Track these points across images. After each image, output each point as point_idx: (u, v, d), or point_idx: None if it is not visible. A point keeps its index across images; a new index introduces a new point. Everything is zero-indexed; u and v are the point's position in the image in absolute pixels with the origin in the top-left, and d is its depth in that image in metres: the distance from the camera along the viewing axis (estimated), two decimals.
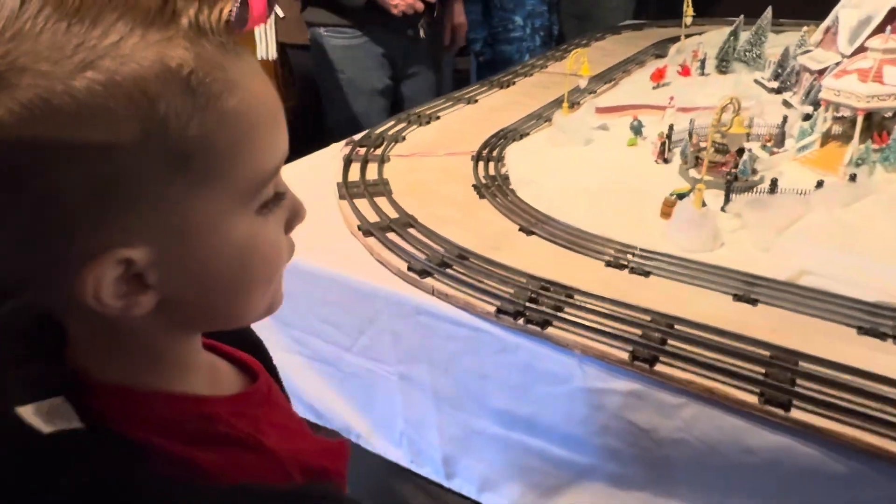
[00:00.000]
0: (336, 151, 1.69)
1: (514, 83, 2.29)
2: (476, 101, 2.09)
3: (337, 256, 1.21)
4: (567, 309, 0.96)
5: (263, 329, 1.38)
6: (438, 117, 1.93)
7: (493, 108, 2.02)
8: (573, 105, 1.99)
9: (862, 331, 0.90)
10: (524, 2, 3.34)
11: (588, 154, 1.63)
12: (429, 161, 1.61)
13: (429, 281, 1.06)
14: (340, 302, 1.18)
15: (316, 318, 1.25)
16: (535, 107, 1.98)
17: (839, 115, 1.46)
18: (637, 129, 1.69)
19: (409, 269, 1.09)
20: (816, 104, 1.58)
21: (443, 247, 1.15)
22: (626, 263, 1.08)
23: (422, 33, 2.54)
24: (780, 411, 0.77)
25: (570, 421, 0.98)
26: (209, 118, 0.42)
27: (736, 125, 1.29)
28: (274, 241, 0.52)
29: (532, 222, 1.24)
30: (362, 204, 1.34)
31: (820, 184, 1.25)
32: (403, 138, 1.76)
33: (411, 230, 1.22)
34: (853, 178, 1.26)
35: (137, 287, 0.44)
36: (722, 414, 0.82)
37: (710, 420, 0.83)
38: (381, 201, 1.35)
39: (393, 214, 1.29)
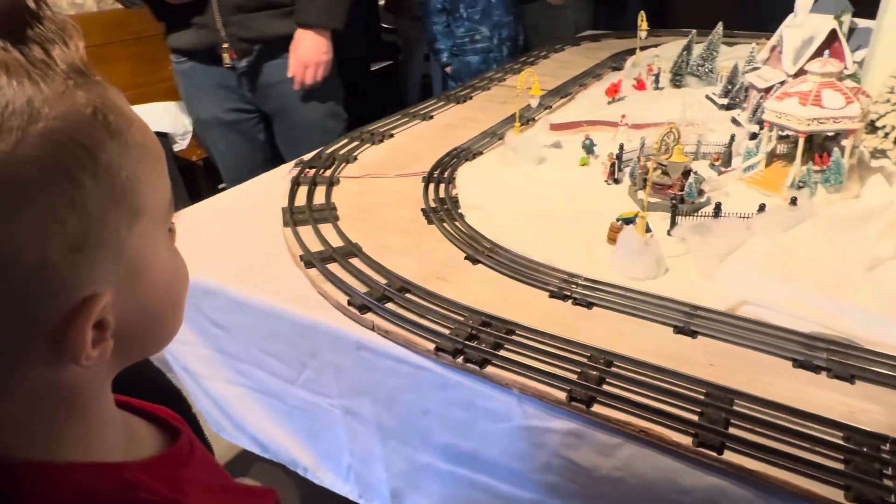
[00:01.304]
0: (285, 172, 1.66)
1: (471, 98, 2.28)
2: (431, 117, 2.07)
3: (280, 288, 1.17)
4: (507, 346, 0.94)
5: (204, 361, 1.35)
6: (392, 135, 1.90)
7: (448, 125, 2.00)
8: (528, 121, 1.99)
9: (797, 363, 0.90)
10: (490, 12, 3.34)
11: (540, 174, 1.62)
12: (380, 183, 1.58)
13: (369, 316, 1.04)
14: (283, 335, 1.15)
15: (259, 350, 1.21)
16: (490, 123, 1.97)
17: (784, 134, 1.48)
18: (589, 148, 1.70)
19: (350, 303, 1.06)
20: (762, 123, 1.60)
21: (385, 278, 1.12)
22: (569, 294, 1.07)
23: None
24: (713, 453, 0.76)
25: (512, 457, 0.97)
26: (130, 154, 0.44)
27: (676, 154, 1.29)
28: (182, 260, 0.55)
29: (479, 250, 1.22)
30: (306, 231, 1.31)
31: (762, 207, 1.26)
32: (355, 158, 1.73)
33: (354, 260, 1.19)
34: (794, 201, 1.27)
35: (103, 332, 0.45)
36: (658, 454, 0.81)
37: (647, 460, 0.82)
38: (327, 228, 1.32)
39: (337, 242, 1.26)
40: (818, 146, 1.41)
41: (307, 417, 1.23)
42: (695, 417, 0.80)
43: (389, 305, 1.05)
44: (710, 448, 0.76)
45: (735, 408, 0.81)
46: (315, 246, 1.24)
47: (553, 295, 1.08)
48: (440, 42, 3.34)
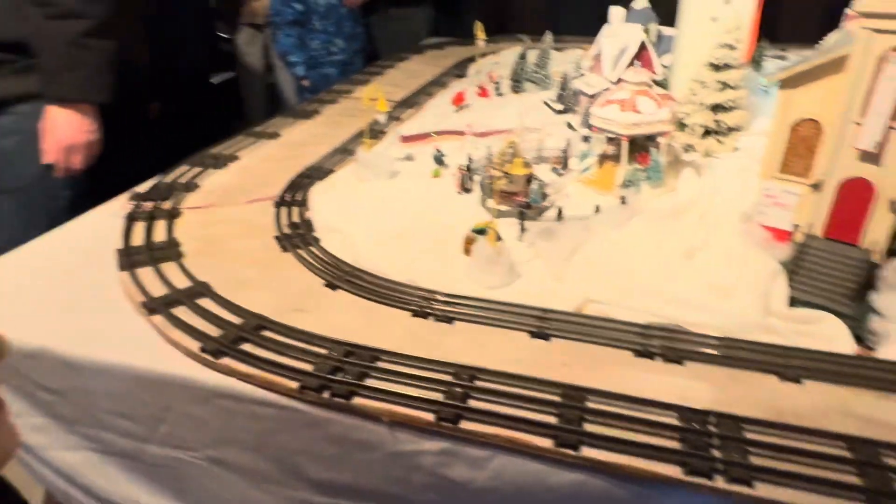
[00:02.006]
0: (118, 208, 1.52)
1: (319, 112, 2.24)
2: (279, 135, 2.00)
3: (121, 341, 1.07)
4: (373, 374, 0.94)
5: (40, 431, 1.20)
6: (237, 157, 1.81)
7: (296, 143, 1.95)
8: (379, 134, 1.99)
9: (637, 353, 0.99)
10: (343, 24, 3.33)
11: (394, 189, 1.63)
12: (227, 211, 1.50)
13: (225, 361, 0.98)
14: (129, 393, 1.05)
15: (104, 412, 1.10)
16: (341, 138, 1.94)
17: (610, 137, 1.62)
18: (439, 160, 1.74)
19: (203, 349, 1.00)
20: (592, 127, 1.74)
21: (240, 317, 1.07)
22: (430, 311, 1.09)
23: None
24: (572, 451, 0.82)
25: (389, 483, 0.96)
26: None
27: (517, 166, 1.37)
28: None
29: (337, 276, 1.20)
30: (147, 274, 1.20)
31: (597, 209, 1.38)
32: (197, 186, 1.62)
33: (204, 301, 1.12)
34: (623, 200, 1.40)
35: None
36: (525, 460, 0.85)
37: (516, 467, 0.86)
38: (170, 268, 1.23)
39: (183, 283, 1.17)
40: (640, 147, 1.57)
41: (170, 474, 1.13)
42: (553, 420, 0.85)
43: (246, 347, 1.00)
44: (568, 447, 0.82)
45: (588, 404, 0.88)
46: (158, 290, 1.15)
47: (415, 314, 1.09)
48: (294, 55, 3.26)
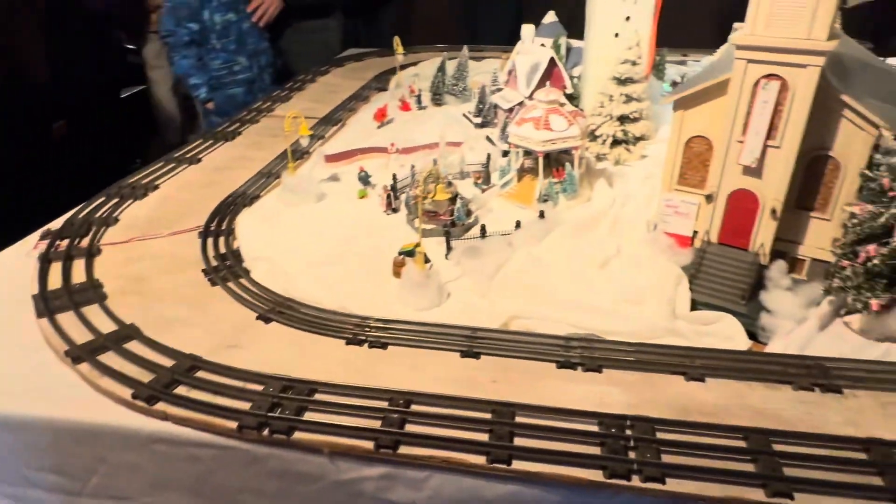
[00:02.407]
0: (29, 248, 1.45)
1: (240, 133, 2.20)
2: (199, 160, 1.96)
3: (43, 393, 1.04)
4: (311, 407, 0.96)
5: None
6: (157, 186, 1.77)
7: (218, 167, 1.92)
8: (303, 154, 2.00)
9: (559, 365, 1.07)
10: (245, 41, 3.14)
11: (321, 212, 1.65)
12: (151, 245, 1.47)
13: (160, 406, 0.98)
14: (56, 447, 1.02)
15: (29, 468, 1.06)
16: (264, 161, 1.93)
17: (527, 152, 1.71)
18: (364, 180, 1.77)
19: (135, 396, 0.99)
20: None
21: (172, 359, 1.06)
22: (364, 338, 1.13)
23: None
24: (504, 466, 0.88)
25: None
26: None
27: (439, 192, 1.42)
28: None
29: (270, 308, 1.21)
30: (68, 319, 1.17)
31: (518, 224, 1.45)
32: (117, 220, 1.57)
33: (132, 344, 1.10)
34: (542, 214, 1.48)
35: None
36: (461, 477, 0.91)
37: (453, 484, 0.91)
38: (93, 311, 1.20)
39: (108, 327, 1.15)
40: (554, 161, 1.66)
41: None
42: (485, 437, 0.91)
43: (180, 390, 1.00)
44: (501, 462, 0.88)
45: (517, 419, 0.94)
46: (82, 336, 1.12)
47: (349, 342, 1.12)
48: (195, 77, 3.05)
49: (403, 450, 0.90)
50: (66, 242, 1.44)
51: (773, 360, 1.06)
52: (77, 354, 1.07)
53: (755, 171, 1.18)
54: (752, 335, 1.15)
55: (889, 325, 1.08)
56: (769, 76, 1.09)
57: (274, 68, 3.31)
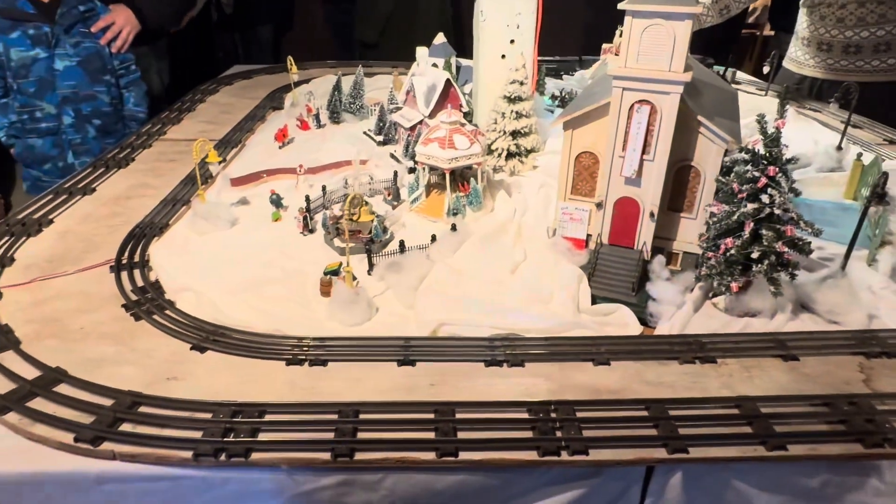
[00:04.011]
0: None
1: (133, 159, 2.13)
2: (94, 190, 1.88)
3: None
4: (264, 428, 1.01)
5: None
6: (52, 221, 1.68)
7: (117, 196, 1.85)
8: (206, 180, 1.98)
9: (487, 363, 1.19)
10: (54, 84, 2.49)
11: (237, 237, 1.66)
12: (58, 284, 1.41)
13: (106, 446, 0.98)
14: None
15: None
16: (166, 187, 1.89)
17: (434, 169, 1.83)
18: (277, 203, 1.79)
19: (78, 439, 0.98)
20: (415, 159, 1.93)
21: (110, 398, 1.06)
22: (304, 357, 1.18)
23: None
24: (452, 458, 0.98)
25: None
26: None
27: (364, 214, 1.51)
28: None
29: (203, 337, 1.23)
30: None
31: (433, 238, 1.56)
32: (12, 259, 1.49)
33: (63, 387, 1.08)
34: (454, 227, 1.60)
35: None
36: (413, 474, 1.00)
37: (406, 481, 1.00)
38: (9, 358, 1.15)
39: (31, 373, 1.11)
40: (460, 177, 1.79)
41: None
42: (432, 435, 1.01)
43: (126, 427, 1.00)
44: (449, 455, 0.98)
45: (458, 415, 1.05)
46: (3, 385, 1.08)
47: (290, 362, 1.18)
48: None
49: (359, 456, 0.98)
50: None
51: (661, 341, 1.25)
52: (2, 405, 1.03)
53: (635, 181, 1.38)
54: (643, 321, 1.35)
55: (746, 303, 1.32)
56: (641, 101, 1.29)
57: (112, 119, 2.66)
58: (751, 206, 1.24)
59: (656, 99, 1.28)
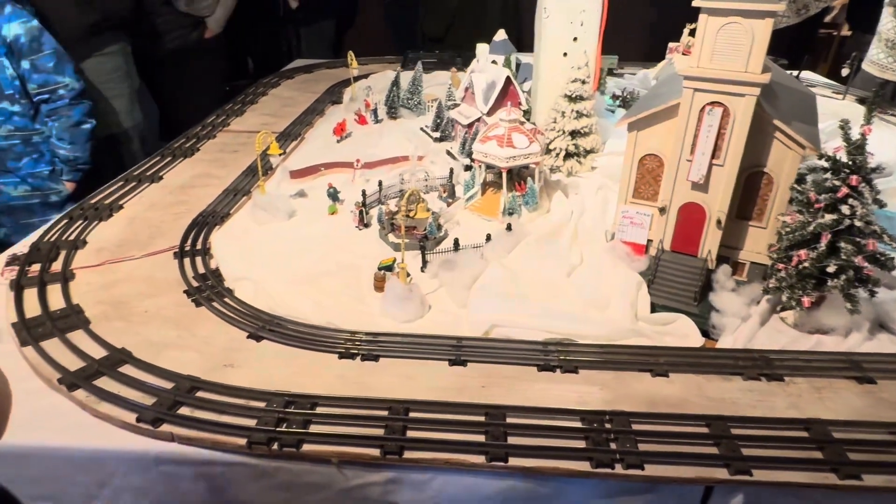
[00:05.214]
0: None
1: (198, 149, 2.20)
2: (161, 178, 1.95)
3: (36, 422, 1.04)
4: (315, 420, 1.01)
5: None
6: (122, 206, 1.75)
7: (182, 185, 1.91)
8: (267, 171, 2.02)
9: (540, 368, 1.16)
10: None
11: (294, 229, 1.69)
12: (125, 268, 1.47)
13: (166, 428, 1.00)
14: (55, 475, 1.03)
15: (27, 497, 1.06)
16: (228, 178, 1.94)
17: (491, 167, 1.81)
18: (334, 196, 1.81)
19: (140, 419, 1.01)
20: (472, 156, 1.91)
21: (170, 382, 1.09)
22: (356, 352, 1.19)
23: None
24: (502, 463, 0.96)
25: None
26: None
27: (420, 211, 1.50)
28: None
29: (259, 326, 1.25)
30: (54, 346, 1.17)
31: (488, 237, 1.54)
32: (85, 242, 1.56)
33: (127, 368, 1.12)
34: (509, 227, 1.58)
35: None
36: (462, 477, 0.99)
37: (454, 484, 0.99)
38: (79, 337, 1.20)
39: (98, 352, 1.16)
40: (517, 176, 1.76)
41: None
42: (482, 438, 0.99)
43: (184, 411, 1.03)
44: (499, 460, 0.96)
45: (508, 420, 1.03)
46: (73, 363, 1.13)
47: (342, 356, 1.18)
48: None
49: (408, 454, 0.98)
50: (36, 267, 1.42)
51: (724, 355, 1.20)
52: (71, 381, 1.08)
53: (702, 187, 1.32)
54: (705, 333, 1.29)
55: (818, 319, 1.25)
56: (713, 103, 1.23)
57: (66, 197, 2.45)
58: (829, 217, 1.17)
59: (730, 101, 1.22)
